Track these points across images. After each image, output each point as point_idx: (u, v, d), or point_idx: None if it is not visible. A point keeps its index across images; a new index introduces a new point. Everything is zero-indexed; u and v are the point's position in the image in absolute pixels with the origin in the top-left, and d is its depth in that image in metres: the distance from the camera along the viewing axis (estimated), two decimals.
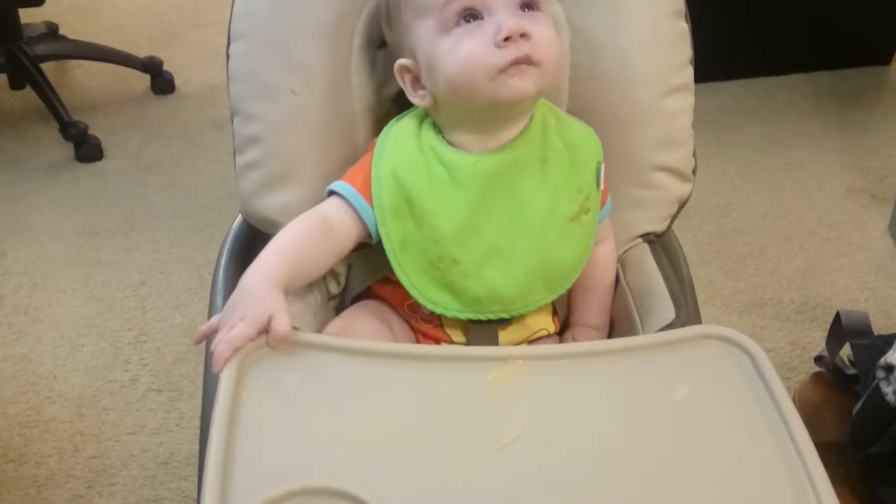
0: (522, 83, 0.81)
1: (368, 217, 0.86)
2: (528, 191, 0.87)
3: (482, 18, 0.82)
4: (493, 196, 0.86)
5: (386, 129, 0.90)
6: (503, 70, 0.81)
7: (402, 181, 0.85)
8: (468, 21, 0.82)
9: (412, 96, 0.88)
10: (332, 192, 0.88)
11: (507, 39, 0.80)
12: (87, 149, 2.01)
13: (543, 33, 0.82)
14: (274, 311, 0.75)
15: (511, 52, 0.80)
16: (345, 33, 0.91)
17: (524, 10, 0.83)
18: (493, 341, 0.89)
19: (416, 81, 0.87)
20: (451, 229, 0.85)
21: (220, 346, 0.73)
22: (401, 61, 0.87)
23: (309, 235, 0.85)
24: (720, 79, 2.20)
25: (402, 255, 0.86)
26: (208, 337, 0.78)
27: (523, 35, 0.80)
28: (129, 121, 2.14)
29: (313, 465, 0.68)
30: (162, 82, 2.23)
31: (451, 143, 0.87)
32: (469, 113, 0.85)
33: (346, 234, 0.86)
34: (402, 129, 0.89)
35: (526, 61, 0.81)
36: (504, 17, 0.80)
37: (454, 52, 0.82)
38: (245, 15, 0.90)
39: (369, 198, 0.86)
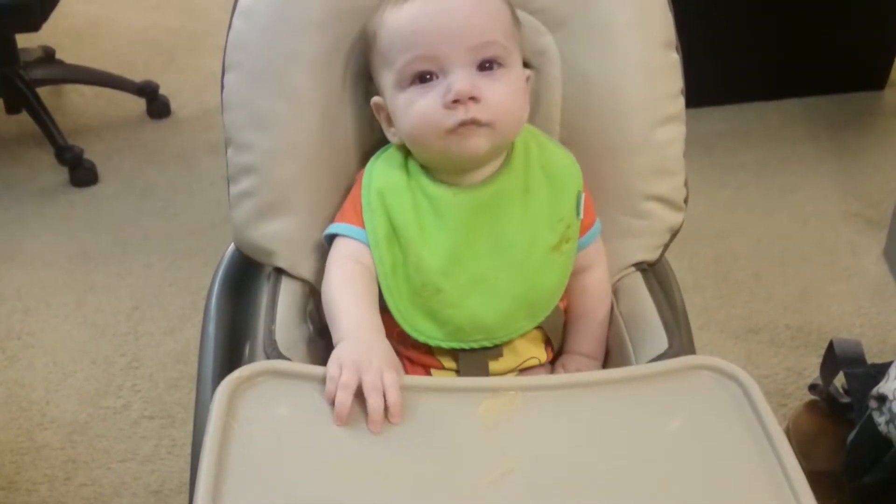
0: (474, 142, 0.83)
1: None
2: (510, 222, 0.88)
3: (438, 77, 0.83)
4: (476, 227, 0.87)
5: (374, 157, 0.91)
6: (452, 130, 0.82)
7: (389, 208, 0.87)
8: (423, 81, 0.83)
9: (386, 132, 0.90)
10: (333, 236, 0.89)
11: (455, 102, 0.81)
12: (81, 173, 2.01)
13: (498, 94, 0.83)
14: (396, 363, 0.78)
15: (458, 114, 0.82)
16: (338, 63, 0.92)
17: (483, 69, 0.83)
18: (484, 367, 0.89)
19: (390, 119, 0.89)
20: (435, 259, 0.86)
21: (377, 395, 0.74)
22: (376, 99, 0.89)
23: (363, 280, 0.86)
24: (714, 103, 2.20)
25: (393, 280, 0.87)
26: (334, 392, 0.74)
27: (472, 98, 0.81)
28: (125, 145, 2.15)
29: (303, 497, 0.68)
30: (158, 106, 2.24)
31: (433, 177, 0.88)
32: (433, 160, 0.87)
33: (375, 272, 0.87)
34: (390, 157, 0.90)
35: (473, 123, 0.82)
36: (455, 79, 0.82)
37: (408, 109, 0.84)
38: (239, 45, 0.91)
39: (363, 226, 0.87)
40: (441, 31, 0.82)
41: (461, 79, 0.82)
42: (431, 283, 0.86)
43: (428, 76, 0.83)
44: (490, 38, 0.84)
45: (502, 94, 0.84)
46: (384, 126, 0.90)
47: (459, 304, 0.86)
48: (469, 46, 0.83)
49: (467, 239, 0.87)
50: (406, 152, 0.90)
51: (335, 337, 0.81)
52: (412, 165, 0.89)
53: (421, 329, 0.87)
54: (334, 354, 0.77)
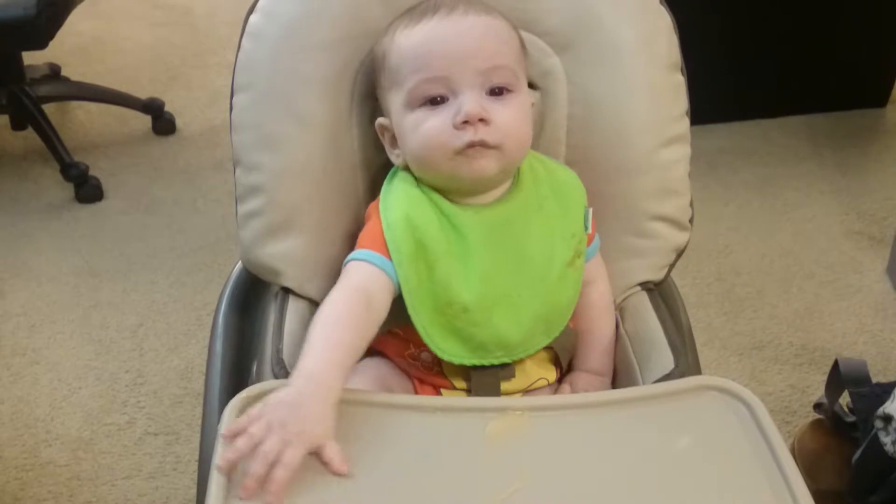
0: (482, 163, 0.84)
1: (391, 271, 0.85)
2: (529, 239, 0.88)
3: (448, 99, 0.84)
4: (499, 245, 0.87)
5: (388, 180, 0.91)
6: (460, 151, 0.83)
7: (416, 226, 0.86)
8: (434, 102, 0.84)
9: (390, 153, 0.90)
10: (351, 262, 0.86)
11: (465, 123, 0.82)
12: (87, 189, 2.01)
13: (506, 118, 0.84)
14: (326, 442, 0.71)
15: (467, 135, 0.83)
16: (345, 85, 0.92)
17: (493, 94, 0.84)
18: (495, 386, 0.89)
19: (394, 140, 0.89)
20: (463, 278, 0.86)
21: (256, 471, 0.68)
22: (381, 120, 0.90)
23: (356, 322, 0.80)
24: (717, 121, 2.21)
25: (417, 298, 0.86)
26: (242, 429, 0.70)
27: (482, 120, 0.82)
28: (130, 162, 2.15)
29: None
30: (163, 123, 2.25)
31: (447, 197, 0.88)
32: (440, 182, 0.87)
33: (383, 302, 0.84)
34: (403, 179, 0.90)
35: (481, 145, 0.83)
36: (465, 100, 0.82)
37: (417, 130, 0.84)
38: (248, 67, 0.92)
39: (387, 253, 0.85)
40: (453, 54, 0.83)
41: (471, 100, 0.83)
42: (458, 302, 0.86)
43: (438, 98, 0.84)
44: (500, 62, 0.85)
45: (510, 118, 0.84)
46: (387, 147, 0.91)
47: (484, 323, 0.87)
48: (479, 70, 0.83)
49: (491, 257, 0.87)
50: (415, 178, 0.90)
51: (294, 373, 0.75)
52: (424, 187, 0.89)
53: (443, 347, 0.87)
54: (272, 396, 0.72)
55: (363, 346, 0.81)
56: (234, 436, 0.70)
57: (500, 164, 0.85)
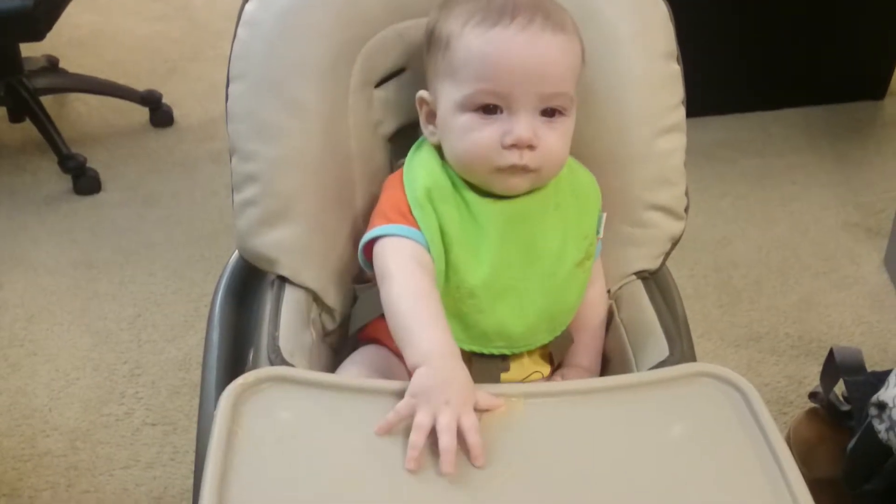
0: (516, 181, 0.86)
1: (427, 246, 0.86)
2: (543, 235, 0.89)
3: (502, 112, 0.84)
4: (512, 237, 0.88)
5: (413, 151, 0.91)
6: (502, 169, 0.84)
7: (436, 206, 0.87)
8: (486, 110, 0.84)
9: (424, 128, 0.90)
10: (373, 241, 0.87)
11: (513, 146, 0.83)
12: (85, 181, 2.01)
13: (553, 143, 0.84)
14: (478, 395, 0.75)
15: (513, 158, 0.83)
16: (341, 74, 0.92)
17: (545, 114, 0.84)
18: (496, 376, 0.90)
19: (432, 115, 0.89)
20: (473, 264, 0.86)
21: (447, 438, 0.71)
22: (423, 93, 0.89)
23: (434, 294, 0.82)
24: (715, 113, 2.21)
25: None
26: (394, 426, 0.73)
27: (530, 146, 0.83)
28: (128, 153, 2.15)
29: (307, 503, 0.68)
30: (161, 115, 2.24)
31: (469, 185, 0.88)
32: (469, 178, 0.88)
33: (434, 274, 0.85)
34: (428, 158, 0.90)
35: (524, 169, 0.84)
36: (518, 121, 0.83)
37: (464, 135, 0.85)
38: (243, 56, 0.91)
39: (417, 227, 0.86)
40: (520, 74, 0.82)
41: (524, 125, 0.83)
42: (466, 287, 0.86)
43: (492, 106, 0.84)
44: (562, 88, 0.85)
45: (557, 144, 0.85)
46: (422, 122, 0.90)
47: (489, 311, 0.87)
48: (541, 94, 0.83)
49: (503, 247, 0.87)
50: (441, 155, 0.90)
51: (411, 358, 0.77)
52: (449, 170, 0.89)
53: None
54: (415, 386, 0.74)
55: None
56: (387, 430, 0.73)
57: (533, 183, 0.87)
